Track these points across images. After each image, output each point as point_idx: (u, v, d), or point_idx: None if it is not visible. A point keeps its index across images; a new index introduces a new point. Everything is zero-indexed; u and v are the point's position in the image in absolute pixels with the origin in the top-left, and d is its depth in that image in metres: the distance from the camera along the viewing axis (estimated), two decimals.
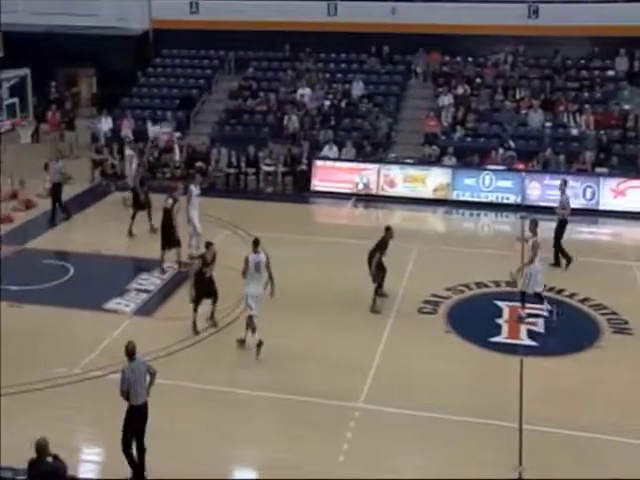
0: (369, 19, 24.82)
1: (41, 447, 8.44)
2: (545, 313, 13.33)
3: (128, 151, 19.91)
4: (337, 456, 9.87)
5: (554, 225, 15.85)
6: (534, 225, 13.48)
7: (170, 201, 15.28)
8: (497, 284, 14.79)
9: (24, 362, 11.89)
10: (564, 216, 15.80)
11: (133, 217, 17.22)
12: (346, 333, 12.93)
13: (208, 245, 13.00)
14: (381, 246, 13.68)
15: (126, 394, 9.25)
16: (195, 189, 16.02)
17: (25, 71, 16.71)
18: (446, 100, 22.86)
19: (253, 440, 10.24)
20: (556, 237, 15.73)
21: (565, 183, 16.51)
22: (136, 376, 9.29)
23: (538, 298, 13.38)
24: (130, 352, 9.40)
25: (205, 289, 12.93)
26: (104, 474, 9.68)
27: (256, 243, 12.38)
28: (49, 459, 8.50)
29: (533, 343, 12.80)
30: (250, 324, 12.21)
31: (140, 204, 17.27)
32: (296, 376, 11.73)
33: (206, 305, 13.06)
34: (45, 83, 24.04)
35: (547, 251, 14.88)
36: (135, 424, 9.28)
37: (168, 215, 15.19)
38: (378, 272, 13.71)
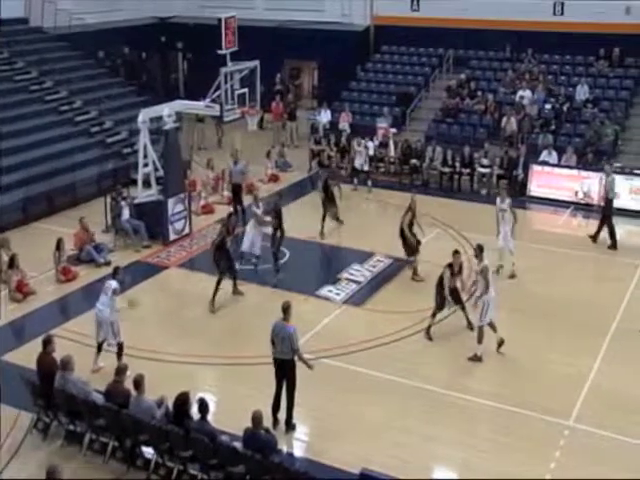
0: (599, 19, 23.47)
1: (257, 419, 8.99)
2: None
3: (358, 147, 20.54)
4: (544, 473, 9.58)
5: None
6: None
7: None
8: None
9: (242, 336, 12.74)
10: None
11: (323, 218, 17.18)
12: (561, 346, 12.49)
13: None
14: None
15: (271, 343, 10.27)
16: (500, 203, 15.07)
17: (255, 63, 17.62)
18: None
19: (457, 442, 10.17)
20: None
21: None
22: (278, 333, 10.15)
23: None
24: (283, 310, 10.19)
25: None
26: (306, 452, 10.07)
27: (481, 248, 12.32)
28: (262, 431, 9.03)
29: None
30: (480, 335, 12.08)
31: (323, 202, 17.25)
32: (508, 384, 11.51)
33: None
34: (271, 75, 25.28)
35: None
36: (278, 375, 10.27)
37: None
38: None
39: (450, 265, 12.58)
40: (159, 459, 9.40)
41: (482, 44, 25.28)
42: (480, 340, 12.08)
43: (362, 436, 10.20)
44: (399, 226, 15.15)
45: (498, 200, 15.19)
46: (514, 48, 24.89)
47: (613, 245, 16.55)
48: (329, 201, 17.43)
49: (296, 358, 10.16)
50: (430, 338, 12.70)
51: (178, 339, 12.69)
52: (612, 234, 16.63)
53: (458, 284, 12.70)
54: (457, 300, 12.85)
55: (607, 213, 16.89)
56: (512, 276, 14.84)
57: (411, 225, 15.18)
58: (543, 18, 24.25)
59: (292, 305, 10.28)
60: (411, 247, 15.16)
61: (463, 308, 12.90)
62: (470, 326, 12.81)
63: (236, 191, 18.15)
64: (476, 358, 12.08)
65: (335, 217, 17.63)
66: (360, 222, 18.14)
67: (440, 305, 12.69)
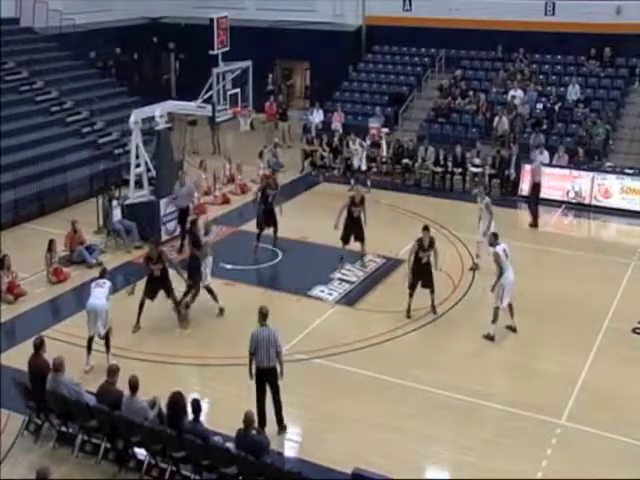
0: (590, 19, 23.58)
1: (248, 420, 8.97)
2: None
3: (353, 145, 20.47)
4: (535, 472, 9.59)
5: None
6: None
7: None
8: None
9: (233, 337, 12.52)
10: None
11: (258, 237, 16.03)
12: (552, 345, 12.54)
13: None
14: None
15: (251, 355, 9.91)
16: (480, 199, 15.08)
17: (247, 64, 17.61)
18: None
19: (450, 441, 10.18)
20: None
21: None
22: (262, 341, 9.82)
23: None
24: (263, 316, 9.98)
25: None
26: (299, 453, 10.06)
27: (496, 236, 12.77)
28: (254, 432, 9.01)
29: None
30: (496, 316, 12.53)
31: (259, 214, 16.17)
32: (499, 383, 11.57)
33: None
34: (263, 75, 25.27)
35: None
36: (260, 383, 10.00)
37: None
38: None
39: (420, 240, 12.99)
40: (151, 460, 9.37)
41: (474, 44, 25.32)
42: (494, 320, 12.50)
43: (355, 436, 10.18)
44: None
45: (479, 199, 15.27)
46: (506, 48, 24.98)
47: (534, 224, 17.63)
48: (266, 214, 16.07)
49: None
50: (409, 316, 13.20)
51: (168, 340, 12.65)
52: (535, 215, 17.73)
53: (432, 259, 13.07)
54: (427, 283, 13.18)
55: (535, 197, 17.79)
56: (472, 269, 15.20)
57: (351, 215, 15.02)
58: (535, 18, 24.35)
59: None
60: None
61: (432, 292, 13.29)
62: (434, 310, 13.31)
63: (182, 216, 16.39)
64: (489, 337, 12.52)
65: (273, 240, 16.21)
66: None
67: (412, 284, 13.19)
